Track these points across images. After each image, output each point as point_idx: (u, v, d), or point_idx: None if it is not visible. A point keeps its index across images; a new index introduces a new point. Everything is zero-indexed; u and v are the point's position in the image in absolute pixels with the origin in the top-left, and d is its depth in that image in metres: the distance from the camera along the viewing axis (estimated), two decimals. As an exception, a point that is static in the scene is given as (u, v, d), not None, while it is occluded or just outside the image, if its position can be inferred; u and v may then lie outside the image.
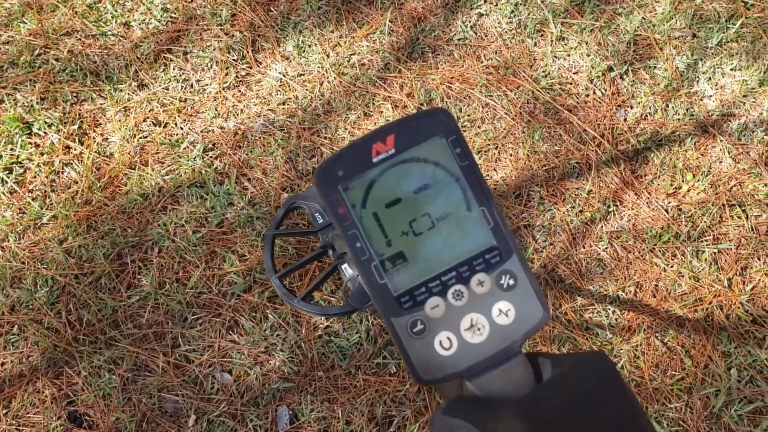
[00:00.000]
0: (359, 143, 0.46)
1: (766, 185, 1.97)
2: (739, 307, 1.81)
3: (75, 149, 1.99)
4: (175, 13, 2.22)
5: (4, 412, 1.66)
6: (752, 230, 1.91)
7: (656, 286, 1.85)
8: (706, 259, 1.87)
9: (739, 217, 1.93)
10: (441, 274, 0.46)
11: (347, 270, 1.38)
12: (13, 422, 1.65)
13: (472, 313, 0.46)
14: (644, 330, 1.79)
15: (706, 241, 1.90)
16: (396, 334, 0.46)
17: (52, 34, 2.16)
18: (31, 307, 1.77)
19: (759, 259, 1.88)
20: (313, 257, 1.60)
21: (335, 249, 1.49)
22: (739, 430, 1.68)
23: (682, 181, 1.99)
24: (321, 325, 1.77)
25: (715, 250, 1.89)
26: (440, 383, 0.46)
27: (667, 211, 1.94)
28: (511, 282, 0.47)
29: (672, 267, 1.87)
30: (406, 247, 0.47)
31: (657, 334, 1.79)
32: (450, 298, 0.46)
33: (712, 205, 1.94)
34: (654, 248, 1.89)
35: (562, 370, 0.43)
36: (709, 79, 2.15)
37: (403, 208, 0.47)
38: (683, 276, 1.85)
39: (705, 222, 1.92)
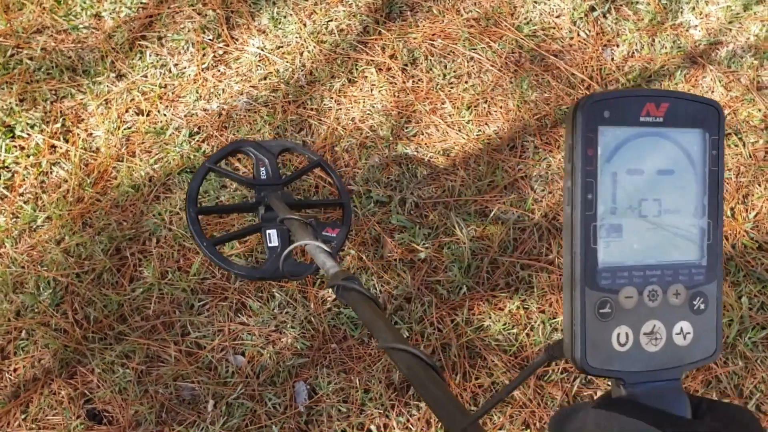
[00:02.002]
0: (634, 94, 0.43)
1: (759, 110, 1.95)
2: (744, 236, 1.81)
3: (61, 148, 1.96)
4: (145, -2, 2.17)
5: (22, 417, 1.66)
6: (750, 157, 1.90)
7: (659, 223, 1.84)
8: (706, 191, 1.86)
9: (736, 146, 1.92)
10: (647, 267, 0.44)
11: (271, 237, 1.32)
12: (33, 426, 1.65)
13: (657, 321, 0.44)
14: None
15: (704, 172, 1.89)
16: (583, 307, 0.42)
17: (23, 33, 2.12)
18: (36, 310, 1.76)
19: (759, 185, 1.87)
20: (240, 208, 1.52)
21: (269, 210, 1.40)
22: (755, 356, 1.69)
23: (676, 115, 1.97)
24: (329, 299, 1.76)
25: (715, 181, 1.88)
26: (602, 376, 0.44)
27: (663, 146, 1.92)
28: (702, 307, 0.44)
29: (673, 202, 1.86)
30: (626, 223, 0.43)
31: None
32: (645, 295, 0.44)
33: (708, 136, 1.93)
34: (653, 185, 1.87)
35: (718, 415, 0.42)
36: (693, 8, 2.12)
37: (641, 183, 0.44)
38: (685, 210, 1.84)
39: (702, 154, 1.90)
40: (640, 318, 0.43)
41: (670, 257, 0.44)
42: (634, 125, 0.43)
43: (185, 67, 2.08)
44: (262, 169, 1.50)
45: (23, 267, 1.81)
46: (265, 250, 1.35)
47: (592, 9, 2.12)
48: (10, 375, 1.71)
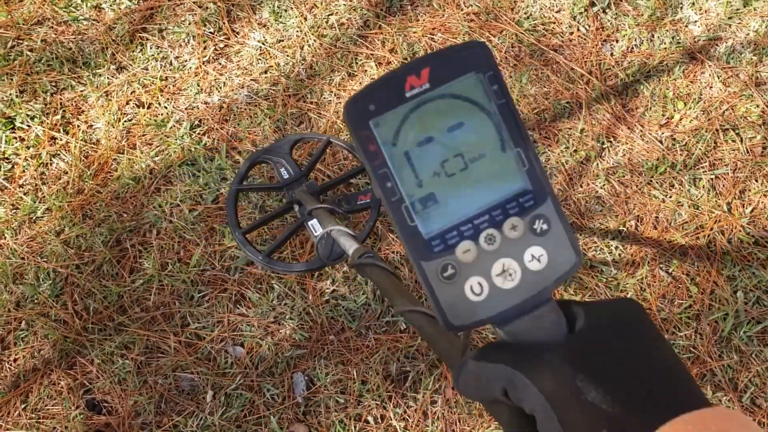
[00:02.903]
0: (392, 75, 0.43)
1: (757, 106, 1.96)
2: (740, 231, 1.82)
3: (61, 139, 1.97)
4: (145, -9, 2.17)
5: (22, 407, 1.67)
6: (747, 152, 1.91)
7: (656, 217, 1.85)
8: (704, 186, 1.87)
9: (734, 141, 1.93)
10: (473, 218, 0.44)
11: (314, 227, 1.37)
12: (33, 416, 1.66)
13: (504, 258, 0.44)
14: (648, 262, 1.80)
15: (702, 168, 1.90)
16: (426, 278, 0.43)
17: (23, 24, 2.12)
18: (36, 301, 1.77)
19: (756, 180, 1.88)
20: (279, 213, 1.58)
21: (302, 205, 1.46)
22: (750, 350, 1.70)
23: (674, 111, 1.97)
24: (327, 290, 1.77)
25: (713, 176, 1.89)
26: (470, 329, 0.45)
27: (661, 142, 1.93)
28: (545, 227, 0.45)
29: (671, 197, 1.86)
30: (437, 189, 0.44)
31: (661, 265, 1.80)
32: (482, 242, 0.44)
33: (706, 131, 1.93)
34: (651, 180, 1.88)
35: (597, 317, 0.42)
36: (693, 4, 2.12)
37: (436, 147, 0.44)
38: (682, 205, 1.85)
39: (700, 149, 1.91)
40: (486, 264, 0.44)
41: (492, 198, 0.45)
42: (404, 102, 0.43)
43: (186, 60, 2.08)
44: (282, 169, 1.56)
45: (23, 258, 1.81)
46: (313, 240, 1.40)
47: (592, 4, 2.12)
48: (10, 365, 1.72)
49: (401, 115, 0.44)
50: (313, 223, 1.37)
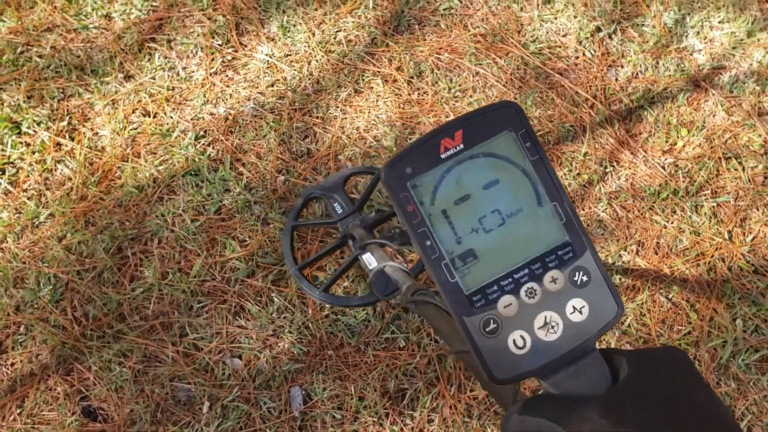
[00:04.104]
0: (427, 139, 0.45)
1: (760, 136, 1.97)
2: (740, 259, 1.83)
3: (66, 146, 1.97)
4: (155, 1, 2.19)
5: (18, 411, 1.66)
6: (749, 181, 1.92)
7: (658, 243, 1.85)
8: (705, 213, 1.88)
9: (736, 170, 1.94)
10: (513, 272, 0.45)
11: (369, 260, 1.38)
12: (28, 421, 1.65)
13: (546, 311, 0.45)
14: (648, 287, 1.80)
15: (704, 195, 1.91)
16: (469, 333, 0.44)
17: (33, 30, 2.13)
18: (35, 306, 1.77)
19: (758, 209, 1.89)
20: (334, 248, 1.61)
21: (355, 239, 1.49)
22: (748, 378, 1.70)
23: (677, 137, 1.99)
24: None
25: (714, 204, 1.90)
26: (515, 382, 0.45)
27: (663, 168, 1.95)
28: (585, 278, 0.45)
29: (672, 223, 1.87)
30: (476, 245, 0.45)
31: (661, 291, 1.80)
32: (523, 296, 0.45)
33: (708, 159, 1.95)
34: (653, 206, 1.89)
35: (640, 367, 0.42)
36: (698, 33, 2.15)
37: (473, 205, 0.45)
38: (684, 231, 1.86)
39: (702, 176, 1.92)
40: (528, 317, 0.45)
41: (531, 252, 0.46)
42: (439, 164, 0.45)
43: (193, 71, 2.09)
44: (335, 204, 1.60)
45: (24, 262, 1.81)
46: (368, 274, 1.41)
47: (598, 29, 2.14)
48: (8, 369, 1.71)
49: (437, 176, 0.45)
50: (367, 256, 1.38)
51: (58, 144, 1.98)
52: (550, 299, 0.45)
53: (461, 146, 0.45)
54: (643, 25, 2.16)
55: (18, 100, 2.02)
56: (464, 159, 0.45)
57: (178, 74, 2.09)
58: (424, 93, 2.05)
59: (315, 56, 2.10)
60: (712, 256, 1.83)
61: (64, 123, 2.00)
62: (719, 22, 2.15)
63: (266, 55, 2.11)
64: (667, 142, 1.98)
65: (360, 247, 1.40)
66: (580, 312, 0.45)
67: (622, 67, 2.10)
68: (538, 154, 0.46)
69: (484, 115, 0.46)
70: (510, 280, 0.45)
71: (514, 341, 0.45)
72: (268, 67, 2.09)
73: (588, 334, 0.45)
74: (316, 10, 2.17)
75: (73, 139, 1.99)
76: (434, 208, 0.45)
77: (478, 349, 0.44)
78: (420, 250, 0.45)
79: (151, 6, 2.18)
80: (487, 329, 0.44)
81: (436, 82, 2.06)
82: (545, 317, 0.45)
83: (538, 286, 0.45)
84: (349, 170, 1.72)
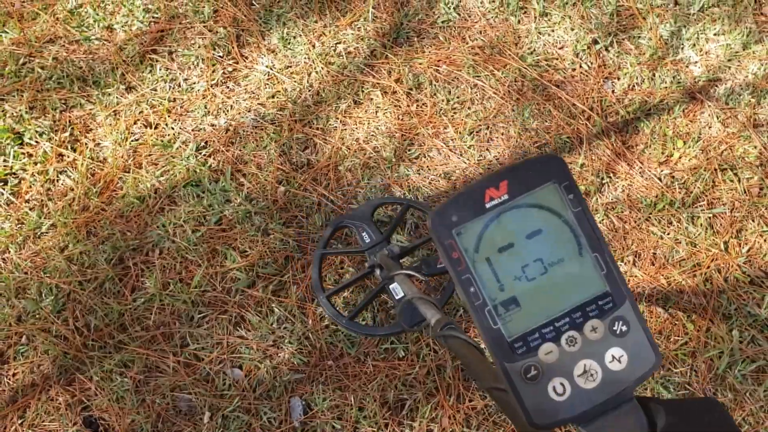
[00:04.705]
0: (472, 189, 0.46)
1: (755, 147, 1.99)
2: (736, 270, 1.84)
3: (68, 156, 1.99)
4: (157, 13, 2.21)
5: (19, 422, 1.67)
6: (745, 192, 1.94)
7: (654, 254, 1.87)
8: (701, 224, 1.90)
9: (732, 181, 1.96)
10: (554, 320, 0.47)
11: (396, 290, 1.39)
12: (30, 431, 1.66)
13: (586, 360, 0.46)
14: (645, 298, 1.82)
15: (700, 206, 1.93)
16: (510, 379, 0.46)
17: (35, 42, 2.15)
18: (37, 316, 1.78)
19: (753, 220, 1.91)
20: (361, 276, 1.63)
21: (383, 269, 1.50)
22: (744, 389, 1.72)
23: (673, 149, 2.01)
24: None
25: (710, 215, 1.92)
26: (553, 428, 0.46)
27: (660, 179, 1.96)
28: (624, 328, 0.47)
29: (668, 234, 1.89)
30: (519, 293, 0.47)
31: (658, 302, 1.82)
32: (563, 344, 0.46)
33: (704, 170, 1.97)
34: (650, 217, 1.91)
35: (677, 417, 0.43)
36: (694, 45, 2.17)
37: (516, 253, 0.47)
38: (680, 242, 1.88)
39: (698, 188, 1.94)
40: (568, 365, 0.46)
41: (572, 301, 0.47)
42: (484, 213, 0.46)
43: (194, 82, 2.11)
44: (363, 234, 1.61)
45: (26, 273, 1.83)
46: (394, 304, 1.42)
47: (595, 42, 2.17)
48: (9, 380, 1.72)
49: (482, 225, 0.47)
50: (394, 286, 1.40)
51: (60, 155, 1.99)
52: (590, 348, 0.47)
53: (506, 196, 0.46)
54: (639, 37, 2.18)
55: (20, 110, 2.03)
56: (508, 209, 0.47)
57: (179, 85, 2.11)
58: (423, 104, 2.07)
59: (315, 68, 2.12)
60: (709, 267, 1.85)
61: (66, 134, 2.02)
62: (715, 35, 2.18)
63: (267, 66, 2.13)
64: (663, 153, 2.00)
65: (387, 277, 1.41)
66: (619, 361, 0.46)
67: (619, 79, 2.12)
68: (581, 205, 0.47)
69: (528, 166, 0.47)
70: (551, 328, 0.47)
71: (554, 388, 0.46)
72: (268, 79, 2.11)
73: (626, 382, 0.46)
74: (316, 22, 2.20)
75: (75, 150, 2.00)
76: (478, 255, 0.46)
77: (518, 395, 0.46)
78: (464, 296, 0.46)
79: (153, 18, 2.20)
80: (528, 375, 0.46)
81: (435, 94, 2.08)
82: (585, 365, 0.46)
83: (579, 335, 0.47)
84: (378, 200, 1.75)
